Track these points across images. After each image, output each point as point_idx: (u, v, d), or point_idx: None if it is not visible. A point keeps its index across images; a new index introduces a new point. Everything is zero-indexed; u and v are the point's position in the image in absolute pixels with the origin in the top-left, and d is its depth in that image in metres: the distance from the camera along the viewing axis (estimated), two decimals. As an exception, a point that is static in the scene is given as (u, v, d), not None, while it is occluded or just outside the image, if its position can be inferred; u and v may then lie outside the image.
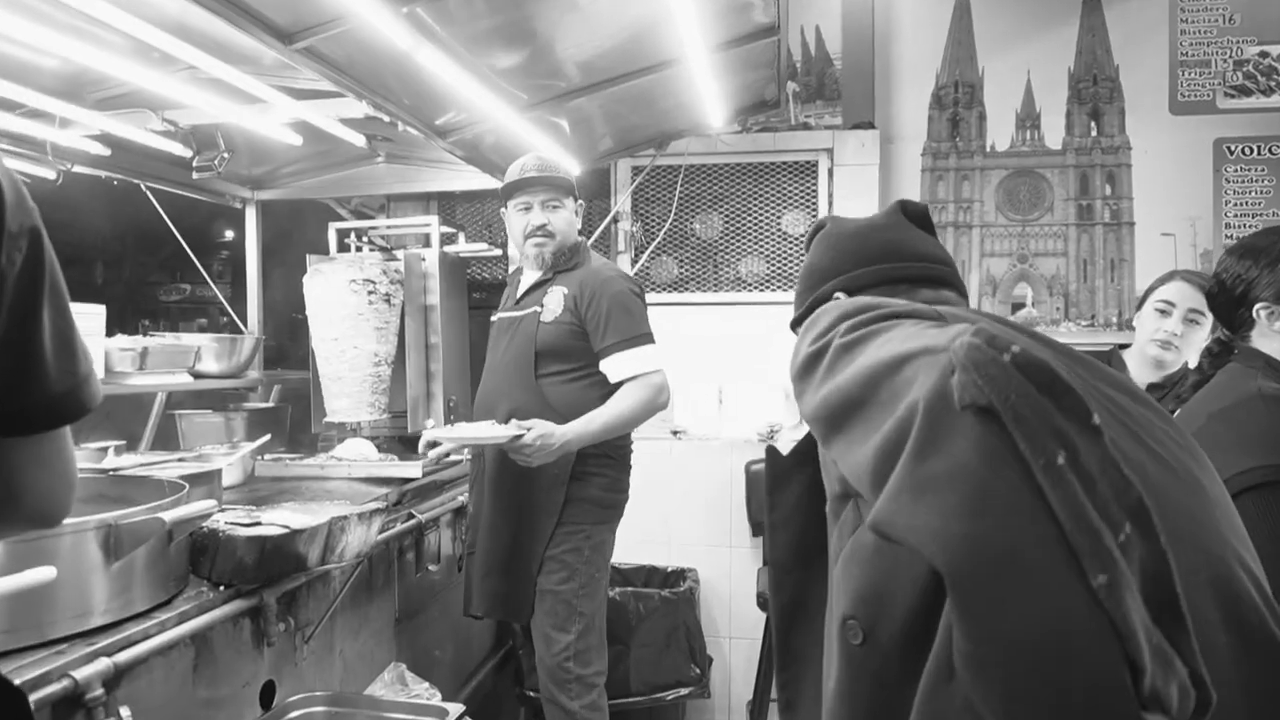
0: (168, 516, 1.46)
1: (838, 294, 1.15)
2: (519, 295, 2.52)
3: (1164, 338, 2.30)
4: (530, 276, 2.51)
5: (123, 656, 1.37)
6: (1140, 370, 2.35)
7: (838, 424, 0.82)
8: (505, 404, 2.37)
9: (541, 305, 2.41)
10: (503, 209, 2.50)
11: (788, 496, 1.11)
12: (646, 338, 2.39)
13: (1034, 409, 0.63)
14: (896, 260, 1.15)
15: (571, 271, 2.44)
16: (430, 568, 2.62)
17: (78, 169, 2.94)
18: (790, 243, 3.79)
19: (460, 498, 2.89)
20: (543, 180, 2.39)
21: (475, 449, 2.49)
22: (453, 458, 3.00)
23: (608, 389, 2.38)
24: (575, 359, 2.38)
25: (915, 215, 1.20)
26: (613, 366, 2.37)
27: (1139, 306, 2.43)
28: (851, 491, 0.89)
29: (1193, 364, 2.41)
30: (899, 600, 0.77)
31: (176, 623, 1.52)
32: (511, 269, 2.71)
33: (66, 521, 1.34)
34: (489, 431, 2.23)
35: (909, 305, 0.91)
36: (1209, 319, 2.26)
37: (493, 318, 2.59)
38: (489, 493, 2.44)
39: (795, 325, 1.23)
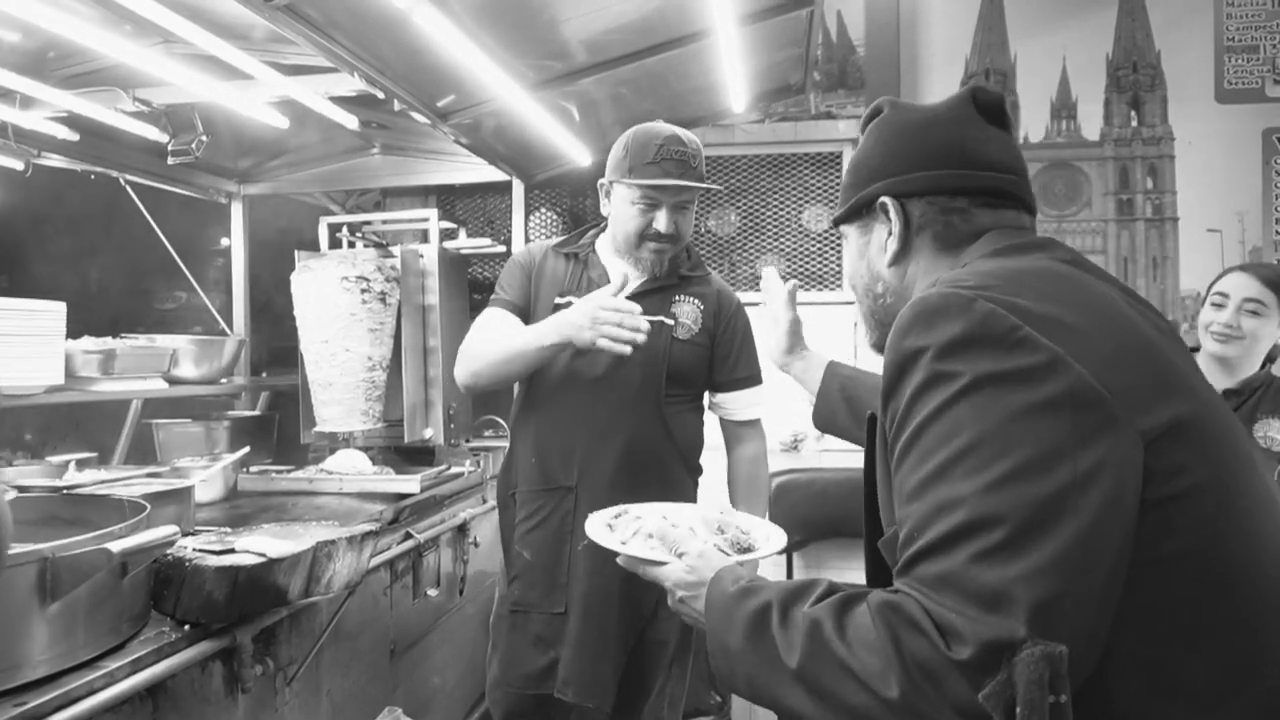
0: (116, 547, 1.22)
1: (884, 198, 1.05)
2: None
3: (1219, 330, 2.21)
4: (631, 273, 2.00)
5: (58, 719, 1.13)
6: (1210, 374, 2.17)
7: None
8: (621, 435, 1.95)
9: (673, 318, 2.00)
10: (605, 182, 1.99)
11: None
12: (760, 375, 2.12)
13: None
14: (957, 166, 1.01)
15: (699, 281, 2.07)
16: (429, 592, 2.38)
17: (46, 159, 2.72)
18: (811, 240, 3.56)
19: (463, 514, 2.65)
20: (685, 185, 1.90)
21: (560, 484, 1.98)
22: (454, 470, 2.76)
23: (701, 419, 2.12)
24: (696, 385, 2.07)
25: (988, 107, 1.05)
26: (736, 403, 2.09)
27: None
28: None
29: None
30: None
31: (129, 672, 1.28)
32: (545, 240, 2.14)
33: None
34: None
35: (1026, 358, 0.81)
36: (1273, 310, 2.18)
37: (559, 300, 2.00)
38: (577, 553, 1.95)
39: (839, 223, 1.16)
